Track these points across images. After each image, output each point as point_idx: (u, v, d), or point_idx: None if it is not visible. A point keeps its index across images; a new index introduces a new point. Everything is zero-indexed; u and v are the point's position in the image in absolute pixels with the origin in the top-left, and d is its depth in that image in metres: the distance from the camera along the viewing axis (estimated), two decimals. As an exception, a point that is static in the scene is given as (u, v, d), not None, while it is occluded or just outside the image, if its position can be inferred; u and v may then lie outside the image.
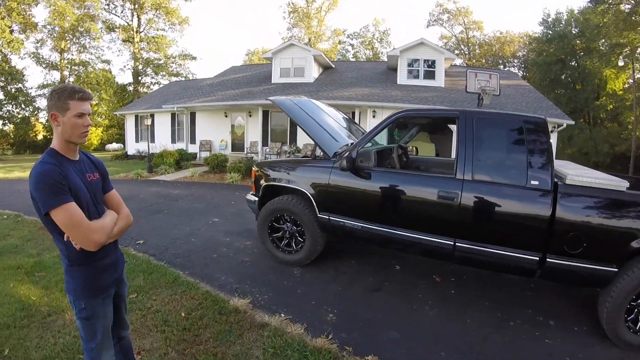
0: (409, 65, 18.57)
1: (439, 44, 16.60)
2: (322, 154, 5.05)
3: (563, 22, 38.05)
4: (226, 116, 20.20)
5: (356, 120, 16.66)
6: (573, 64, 36.77)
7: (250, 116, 19.56)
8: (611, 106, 33.75)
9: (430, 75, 18.43)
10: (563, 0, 68.85)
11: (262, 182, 5.50)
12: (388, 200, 4.62)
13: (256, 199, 5.64)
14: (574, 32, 36.67)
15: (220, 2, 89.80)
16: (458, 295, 4.63)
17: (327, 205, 4.85)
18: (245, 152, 19.17)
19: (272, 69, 20.08)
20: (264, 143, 18.65)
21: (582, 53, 36.16)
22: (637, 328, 3.54)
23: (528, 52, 44.35)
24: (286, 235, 5.31)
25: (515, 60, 46.15)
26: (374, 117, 16.20)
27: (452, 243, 4.09)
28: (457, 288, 4.83)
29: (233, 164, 14.55)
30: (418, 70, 18.53)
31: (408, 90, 17.46)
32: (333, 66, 22.01)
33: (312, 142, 15.78)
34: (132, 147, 24.95)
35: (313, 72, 19.50)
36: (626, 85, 35.28)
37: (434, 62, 18.43)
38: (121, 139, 28.58)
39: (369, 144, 5.09)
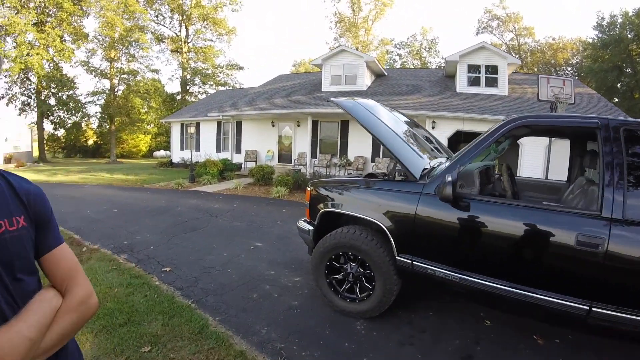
0: (469, 71, 17.01)
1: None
2: (395, 171, 4.25)
3: (618, 26, 35.57)
4: (273, 126, 19.33)
5: (414, 131, 15.42)
6: (628, 70, 34.85)
7: (298, 126, 18.59)
8: None
9: (492, 82, 16.80)
10: (617, 2, 64.85)
11: (320, 207, 4.39)
12: (503, 244, 3.25)
13: (311, 228, 4.55)
14: (629, 36, 34.35)
15: (266, 14, 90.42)
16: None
17: (411, 244, 3.64)
18: (292, 163, 18.16)
19: (322, 76, 19.04)
20: (313, 155, 17.58)
21: (639, 59, 34.20)
22: None
23: (582, 59, 42.35)
24: (349, 278, 4.09)
25: (569, 68, 43.84)
26: (433, 127, 14.83)
27: (588, 307, 2.81)
28: (563, 351, 3.52)
29: (279, 177, 13.44)
30: (479, 77, 16.92)
31: (469, 99, 15.92)
32: (386, 74, 20.72)
33: (363, 155, 14.96)
34: (177, 155, 24.57)
35: (365, 80, 18.28)
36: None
37: (495, 67, 16.79)
38: (168, 146, 28.47)
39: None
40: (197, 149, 21.77)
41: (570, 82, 13.90)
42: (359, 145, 17.20)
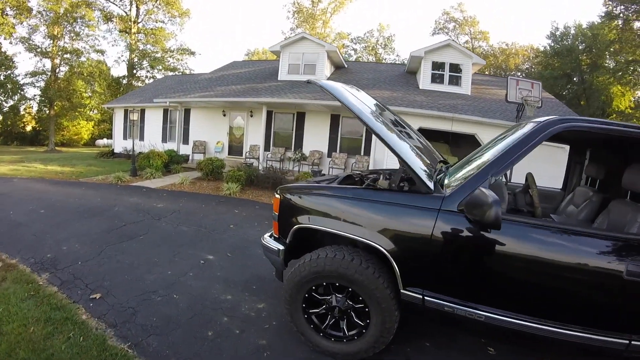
0: (433, 68, 16.23)
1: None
2: (399, 179, 3.44)
3: (571, 37, 37.78)
4: (224, 115, 17.66)
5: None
6: (575, 79, 37.15)
7: (251, 116, 17.08)
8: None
9: (455, 80, 16.19)
10: (571, 15, 69.18)
11: (295, 221, 3.37)
12: (548, 277, 2.63)
13: (281, 247, 3.54)
14: (580, 47, 36.64)
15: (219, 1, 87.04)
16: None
17: (423, 275, 2.86)
18: (244, 156, 16.66)
19: (280, 64, 17.53)
20: (266, 148, 16.16)
21: (587, 69, 36.15)
22: None
23: (532, 65, 43.90)
24: (334, 313, 3.19)
25: (519, 73, 44.28)
26: None
27: (627, 341, 2.49)
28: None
29: (231, 172, 11.97)
30: (443, 74, 16.22)
31: (432, 96, 15.13)
32: (346, 66, 19.51)
33: (319, 149, 13.10)
34: (120, 144, 22.24)
35: (325, 70, 17.00)
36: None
37: (460, 66, 16.20)
38: (112, 135, 26.03)
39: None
40: (141, 138, 19.72)
41: (538, 85, 13.73)
42: (315, 139, 16.09)
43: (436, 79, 16.29)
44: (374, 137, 14.32)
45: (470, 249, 2.75)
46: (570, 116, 3.26)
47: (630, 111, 35.28)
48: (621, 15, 31.15)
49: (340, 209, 3.15)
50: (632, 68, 32.93)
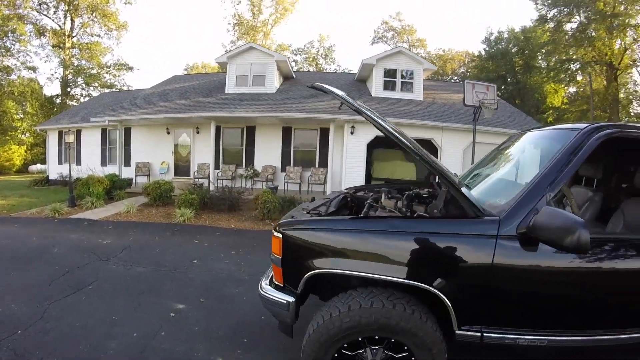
0: (386, 75, 15.78)
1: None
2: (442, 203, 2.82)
3: (504, 41, 40.00)
4: (168, 133, 16.20)
5: (330, 137, 13.75)
6: (509, 80, 39.20)
7: (198, 133, 15.82)
8: (550, 118, 35.68)
9: (407, 87, 15.91)
10: (504, 20, 72.70)
11: (309, 266, 2.64)
12: (603, 288, 2.58)
13: (290, 299, 2.76)
14: (513, 50, 39.16)
15: (157, 14, 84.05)
16: None
17: (482, 310, 2.47)
18: (192, 176, 15.31)
19: (227, 76, 16.30)
20: (216, 166, 14.96)
21: (521, 70, 38.75)
22: None
23: (468, 69, 45.41)
24: None
25: (455, 77, 45.82)
26: (352, 133, 13.34)
27: None
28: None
29: (183, 195, 10.66)
30: (395, 81, 15.82)
31: (387, 104, 14.70)
32: (294, 76, 18.57)
33: (272, 164, 12.01)
34: (55, 170, 19.84)
35: (275, 81, 16.04)
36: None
37: (412, 72, 15.92)
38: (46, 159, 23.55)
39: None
40: (78, 162, 17.75)
41: (493, 87, 13.65)
42: (267, 154, 15.17)
43: (388, 86, 15.87)
44: (330, 148, 13.71)
45: (539, 275, 2.46)
46: (602, 122, 2.99)
47: (565, 106, 38.04)
48: (553, 18, 33.17)
49: (372, 246, 2.55)
50: (565, 66, 34.96)
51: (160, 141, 16.35)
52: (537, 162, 2.86)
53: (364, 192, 4.20)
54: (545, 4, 33.07)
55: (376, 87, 15.77)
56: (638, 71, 34.90)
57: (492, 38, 40.44)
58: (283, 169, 15.01)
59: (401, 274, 2.46)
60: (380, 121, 2.72)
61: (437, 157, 14.23)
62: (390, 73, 15.77)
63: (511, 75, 39.27)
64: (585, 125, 2.66)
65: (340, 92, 2.87)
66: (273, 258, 2.86)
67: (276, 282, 2.90)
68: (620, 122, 3.39)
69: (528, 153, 3.38)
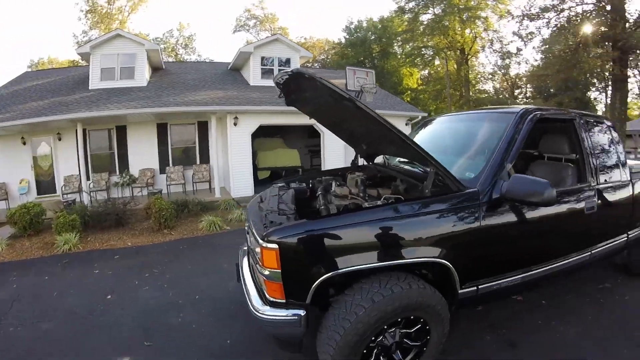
0: (263, 64, 15.40)
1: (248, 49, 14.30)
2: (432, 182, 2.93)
3: (364, 29, 42.64)
4: (24, 143, 13.08)
5: (211, 131, 12.87)
6: (368, 66, 40.43)
7: (60, 139, 13.08)
8: (408, 99, 38.16)
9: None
10: (363, 10, 76.36)
11: (319, 271, 2.49)
12: (555, 227, 3.46)
13: (300, 312, 2.55)
14: (372, 37, 42.14)
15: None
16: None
17: (476, 268, 2.92)
18: (59, 193, 12.85)
19: (90, 69, 13.83)
20: (88, 176, 12.60)
21: (378, 56, 42.11)
22: None
23: (328, 56, 47.23)
24: (391, 351, 2.69)
25: (316, 64, 47.04)
26: (235, 124, 12.50)
27: (589, 253, 3.79)
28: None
29: (61, 218, 8.30)
30: (272, 69, 15.49)
31: (266, 92, 14.16)
32: (163, 67, 16.91)
33: (150, 167, 10.83)
34: None
35: (145, 73, 14.39)
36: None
37: (289, 60, 15.80)
38: None
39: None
40: None
41: (372, 73, 14.49)
42: (143, 155, 13.55)
43: (265, 74, 15.44)
44: (212, 142, 12.90)
45: (516, 227, 3.07)
46: (540, 106, 4.10)
47: (421, 87, 42.77)
48: (411, 10, 36.67)
49: (386, 233, 2.63)
50: (421, 52, 39.41)
51: (15, 154, 13.09)
52: (487, 140, 3.48)
53: (297, 183, 4.07)
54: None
55: (254, 75, 15.27)
56: (485, 56, 40.95)
57: (352, 27, 42.65)
58: (162, 171, 13.66)
59: (417, 254, 2.66)
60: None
61: (320, 142, 14.23)
62: (267, 61, 15.40)
63: (370, 61, 41.94)
64: (521, 108, 3.48)
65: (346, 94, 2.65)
66: (267, 274, 2.55)
67: (273, 299, 2.60)
68: (541, 107, 3.94)
69: (475, 133, 3.87)
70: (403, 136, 2.75)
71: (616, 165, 4.29)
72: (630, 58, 21.99)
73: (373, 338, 2.59)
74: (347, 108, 2.75)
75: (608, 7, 21.14)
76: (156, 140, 13.78)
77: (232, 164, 12.54)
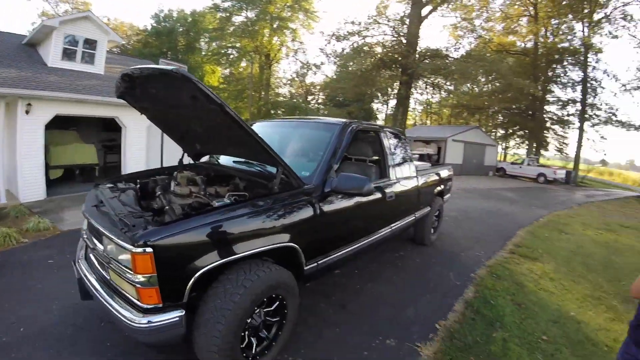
0: (67, 43, 13.32)
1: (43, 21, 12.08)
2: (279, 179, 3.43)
3: (173, 20, 41.48)
4: None
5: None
6: (169, 58, 39.93)
7: None
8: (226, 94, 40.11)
9: (89, 58, 14.00)
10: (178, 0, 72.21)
11: (195, 266, 2.59)
12: (369, 211, 4.57)
13: (181, 313, 2.60)
14: (180, 30, 41.33)
15: None
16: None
17: (315, 247, 3.60)
18: None
19: None
20: None
21: (183, 49, 41.45)
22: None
23: (130, 42, 44.31)
24: (259, 330, 3.09)
25: (116, 49, 43.11)
26: (27, 112, 10.25)
27: (391, 228, 5.17)
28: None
29: None
30: (76, 50, 13.58)
31: (67, 76, 12.40)
32: None
33: None
34: None
35: None
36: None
37: (96, 42, 14.07)
38: None
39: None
40: None
41: (184, 68, 13.85)
42: None
43: (67, 55, 13.44)
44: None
45: (343, 213, 3.92)
46: (350, 120, 4.71)
47: (223, 86, 43.55)
48: (227, 9, 37.32)
49: (254, 225, 2.99)
50: (228, 52, 40.35)
51: None
52: (316, 145, 4.30)
53: (125, 184, 3.98)
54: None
55: (54, 55, 13.06)
56: (288, 63, 44.30)
57: (162, 15, 41.02)
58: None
59: (276, 240, 3.10)
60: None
61: (120, 137, 13.04)
62: (71, 40, 13.40)
63: (173, 53, 40.98)
64: (343, 121, 4.48)
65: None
66: (142, 280, 2.45)
67: (148, 306, 2.51)
68: (358, 120, 4.76)
69: (306, 138, 4.77)
70: (261, 141, 3.03)
71: (407, 164, 5.87)
72: (415, 83, 27.51)
73: (248, 320, 2.87)
74: (210, 112, 2.84)
75: (404, 40, 25.69)
76: None
77: (22, 162, 10.17)
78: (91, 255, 3.25)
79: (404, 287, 5.22)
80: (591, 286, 6.10)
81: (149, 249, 2.39)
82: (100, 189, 3.78)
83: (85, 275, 3.13)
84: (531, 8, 34.91)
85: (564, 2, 31.54)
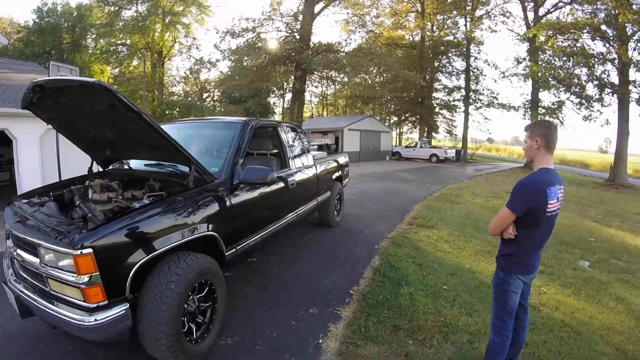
0: None
1: None
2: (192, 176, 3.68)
3: (57, 14, 37.33)
4: None
5: None
6: (55, 56, 36.41)
7: None
8: None
9: None
10: None
11: (132, 261, 2.80)
12: (274, 199, 5.01)
13: (125, 306, 2.80)
14: (65, 25, 37.34)
15: None
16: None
17: (232, 234, 3.98)
18: None
19: None
20: None
21: (69, 47, 37.88)
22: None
23: (10, 41, 39.05)
24: (196, 315, 3.35)
25: None
26: None
27: (296, 214, 5.76)
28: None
29: None
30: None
31: None
32: None
33: None
34: None
35: None
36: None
37: None
38: None
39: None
40: None
41: (76, 70, 13.01)
42: None
43: None
44: None
45: (252, 201, 4.30)
46: (250, 118, 5.20)
47: (116, 87, 39.27)
48: (114, 2, 35.07)
49: (177, 220, 3.23)
50: (118, 50, 38.10)
51: None
52: (221, 143, 4.70)
53: (38, 197, 3.85)
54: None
55: None
56: (181, 60, 42.07)
57: (45, 9, 36.65)
58: None
59: (199, 230, 3.41)
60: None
61: (13, 150, 12.04)
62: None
63: (57, 52, 36.92)
64: (243, 120, 4.90)
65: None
66: (87, 280, 2.58)
67: (94, 305, 2.63)
68: (258, 118, 5.16)
69: (211, 137, 5.14)
70: (175, 142, 3.24)
71: (305, 155, 6.51)
72: (309, 77, 28.19)
73: (185, 306, 3.06)
74: (127, 119, 2.97)
75: (297, 36, 26.31)
76: None
77: None
78: (21, 271, 3.19)
79: (317, 264, 5.74)
80: (482, 243, 7.09)
81: (89, 250, 2.53)
82: (16, 205, 3.68)
83: (22, 292, 3.04)
84: (418, 5, 39.09)
85: (449, 0, 35.59)
